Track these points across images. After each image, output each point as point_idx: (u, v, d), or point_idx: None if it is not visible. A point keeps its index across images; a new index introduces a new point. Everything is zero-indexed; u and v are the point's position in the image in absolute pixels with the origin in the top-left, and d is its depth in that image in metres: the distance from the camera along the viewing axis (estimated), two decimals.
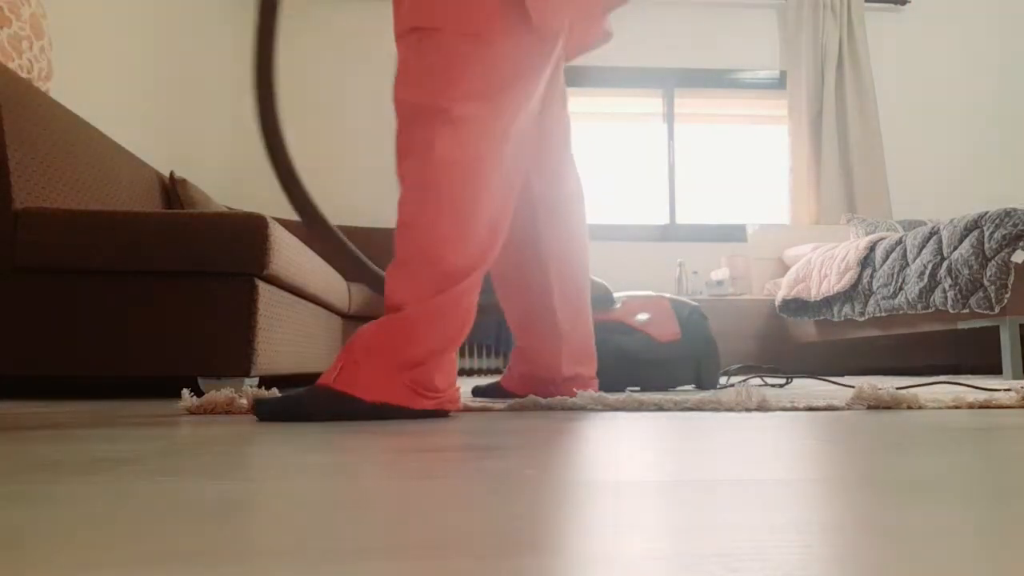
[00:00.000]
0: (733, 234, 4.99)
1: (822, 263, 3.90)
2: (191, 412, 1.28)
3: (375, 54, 4.53)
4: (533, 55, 1.26)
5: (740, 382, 2.44)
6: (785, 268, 4.55)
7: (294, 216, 4.14)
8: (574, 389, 1.53)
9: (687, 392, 1.90)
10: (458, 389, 1.25)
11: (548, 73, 1.33)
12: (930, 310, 3.11)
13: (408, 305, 1.16)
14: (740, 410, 1.25)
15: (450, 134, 1.18)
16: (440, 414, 1.20)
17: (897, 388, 1.36)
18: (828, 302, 3.83)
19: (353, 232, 4.04)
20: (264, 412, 1.14)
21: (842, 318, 3.75)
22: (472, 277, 1.20)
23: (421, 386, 1.16)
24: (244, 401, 1.32)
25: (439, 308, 1.16)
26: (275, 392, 1.40)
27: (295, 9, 4.59)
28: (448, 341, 1.19)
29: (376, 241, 4.04)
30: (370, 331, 1.16)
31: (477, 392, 1.81)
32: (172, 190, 2.97)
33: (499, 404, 1.38)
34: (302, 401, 1.14)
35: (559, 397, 1.42)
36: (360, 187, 4.47)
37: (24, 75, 2.35)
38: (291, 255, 2.06)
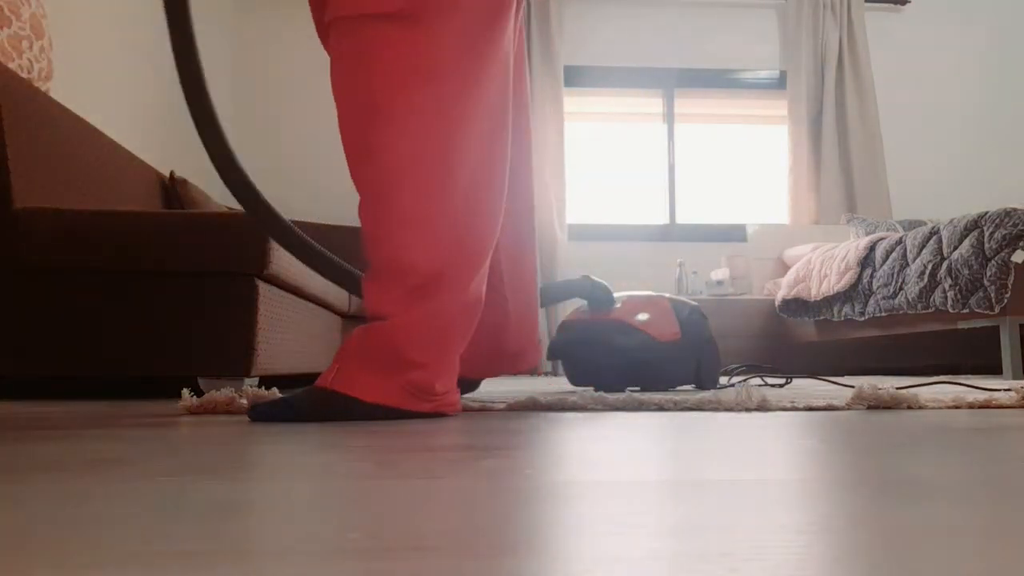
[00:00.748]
0: (733, 234, 4.99)
1: (822, 263, 3.90)
2: (191, 412, 1.28)
3: None
4: (474, 29, 1.14)
5: (740, 382, 2.44)
6: (785, 268, 4.55)
7: (293, 216, 4.14)
8: (522, 363, 1.50)
9: (687, 392, 1.90)
10: (457, 391, 1.23)
11: (508, 42, 1.20)
12: (930, 310, 3.11)
13: (390, 316, 1.11)
14: (740, 410, 1.25)
15: (394, 133, 1.09)
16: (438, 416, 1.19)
17: (897, 388, 1.36)
18: (828, 302, 3.83)
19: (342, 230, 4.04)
20: (257, 414, 1.13)
21: (842, 318, 3.75)
22: (454, 277, 1.13)
23: (419, 389, 1.13)
24: (244, 401, 1.32)
25: (422, 317, 1.12)
26: (275, 392, 1.40)
27: (277, 7, 4.59)
28: (444, 345, 1.16)
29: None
30: (364, 334, 1.14)
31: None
32: (172, 190, 2.97)
33: (499, 404, 1.38)
34: (295, 402, 1.12)
35: (558, 397, 1.42)
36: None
37: (24, 75, 2.35)
38: (291, 255, 2.06)
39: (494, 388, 2.29)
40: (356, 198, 1.12)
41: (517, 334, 1.52)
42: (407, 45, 1.08)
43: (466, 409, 1.31)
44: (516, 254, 1.50)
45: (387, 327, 1.11)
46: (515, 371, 1.47)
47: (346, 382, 1.11)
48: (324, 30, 1.17)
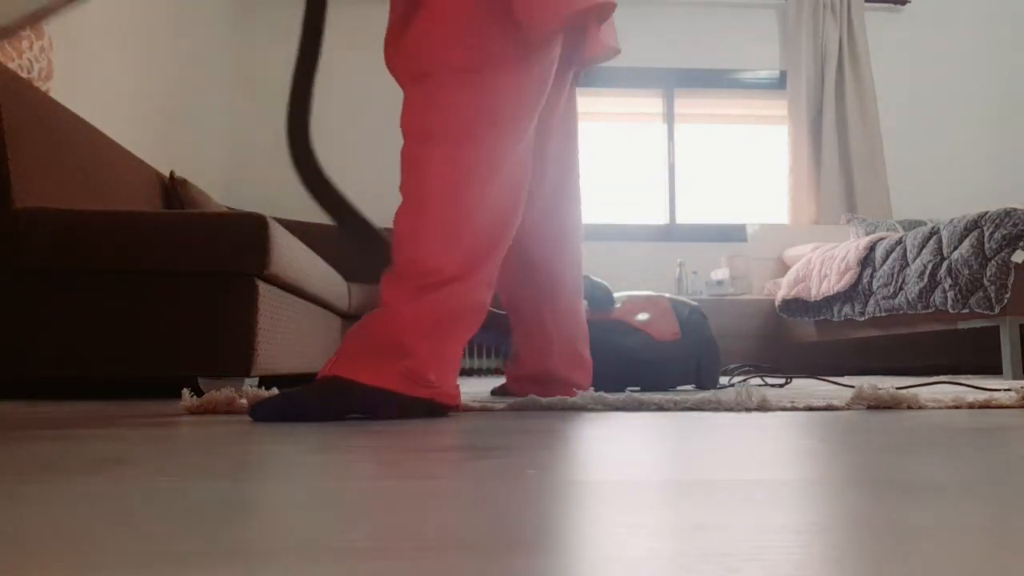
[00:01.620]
0: (733, 234, 4.99)
1: (822, 263, 3.90)
2: (191, 412, 1.28)
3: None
4: (526, 82, 1.32)
5: (740, 382, 2.44)
6: (785, 268, 4.54)
7: (294, 216, 4.14)
8: (573, 390, 1.56)
9: (687, 392, 1.90)
10: (458, 387, 1.26)
11: (546, 91, 1.38)
12: (930, 310, 3.11)
13: (395, 306, 1.21)
14: (740, 410, 1.25)
15: (446, 159, 1.26)
16: (437, 409, 1.20)
17: (897, 388, 1.36)
18: (828, 302, 3.83)
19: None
20: (258, 413, 1.14)
21: (842, 318, 3.75)
22: (463, 282, 1.24)
23: (414, 375, 1.18)
24: (244, 401, 1.32)
25: (423, 305, 1.21)
26: (275, 392, 1.40)
27: (277, 6, 4.59)
28: (440, 337, 1.22)
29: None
30: (363, 323, 1.22)
31: (496, 393, 1.85)
32: (172, 190, 2.97)
33: (499, 404, 1.38)
34: (294, 396, 1.15)
35: (558, 397, 1.42)
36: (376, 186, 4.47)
37: (24, 75, 2.35)
38: (291, 255, 2.06)
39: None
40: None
41: (563, 357, 1.66)
42: (467, 91, 1.28)
43: (466, 409, 1.31)
44: (563, 281, 1.68)
45: (384, 311, 1.21)
46: (567, 394, 1.53)
47: (345, 366, 1.17)
48: (402, 73, 1.33)
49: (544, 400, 1.38)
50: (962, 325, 3.04)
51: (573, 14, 1.38)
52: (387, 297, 1.22)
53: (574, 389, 1.56)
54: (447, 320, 1.23)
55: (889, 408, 1.28)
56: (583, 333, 1.72)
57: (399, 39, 1.32)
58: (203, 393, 1.38)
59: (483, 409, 1.32)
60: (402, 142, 1.30)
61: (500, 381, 2.18)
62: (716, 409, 1.27)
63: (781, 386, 2.14)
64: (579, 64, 1.62)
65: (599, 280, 1.99)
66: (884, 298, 3.39)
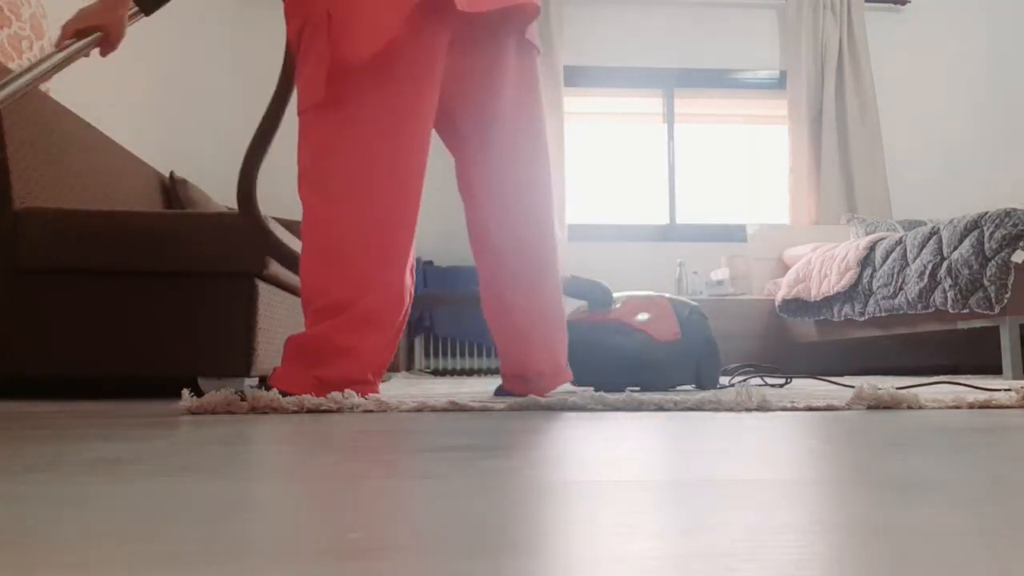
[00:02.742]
0: (733, 234, 4.99)
1: (822, 263, 3.90)
2: (191, 412, 1.28)
3: None
4: (383, 110, 1.46)
5: (740, 382, 2.44)
6: (785, 268, 4.54)
7: (294, 216, 4.14)
8: (547, 385, 1.68)
9: (687, 392, 1.90)
10: (372, 383, 1.46)
11: (424, 106, 1.50)
12: (930, 310, 3.11)
13: (306, 327, 1.45)
14: (740, 410, 1.25)
15: (311, 192, 1.45)
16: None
17: (897, 388, 1.36)
18: (828, 302, 3.83)
19: None
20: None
21: (842, 318, 3.75)
22: (352, 311, 1.41)
23: (328, 383, 1.38)
24: (244, 401, 1.32)
25: (318, 336, 1.42)
26: (275, 392, 1.40)
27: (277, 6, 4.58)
28: (347, 360, 1.42)
29: None
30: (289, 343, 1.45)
31: (498, 394, 1.85)
32: (172, 190, 2.97)
33: (499, 404, 1.38)
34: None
35: (559, 397, 1.42)
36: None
37: None
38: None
39: (493, 387, 2.29)
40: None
41: (540, 358, 1.71)
42: (327, 126, 1.45)
43: (466, 409, 1.31)
44: (536, 284, 1.70)
45: (301, 337, 1.44)
46: (541, 393, 1.61)
47: (275, 378, 1.41)
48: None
49: (544, 400, 1.38)
50: (962, 325, 3.04)
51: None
52: (305, 321, 1.47)
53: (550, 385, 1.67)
54: (339, 345, 1.42)
55: (889, 408, 1.28)
56: (562, 332, 1.76)
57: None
58: (203, 393, 1.38)
59: (483, 409, 1.32)
60: None
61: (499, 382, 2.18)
62: (716, 409, 1.27)
63: (781, 386, 2.14)
64: (486, 25, 1.57)
65: (599, 280, 1.99)
66: (884, 298, 3.39)
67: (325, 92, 1.43)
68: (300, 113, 1.49)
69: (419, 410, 1.28)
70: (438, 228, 4.58)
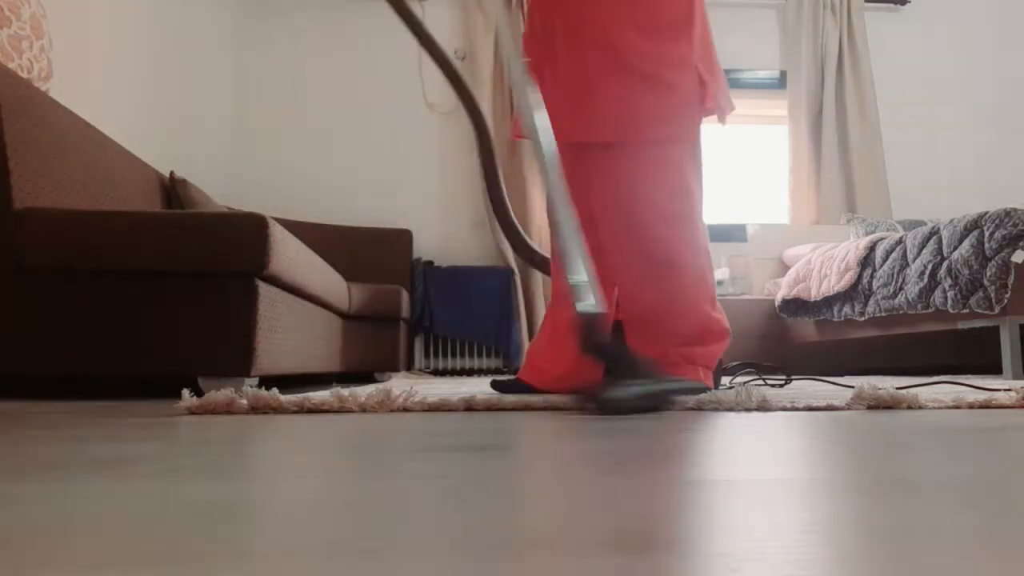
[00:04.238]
0: (733, 234, 4.98)
1: (822, 263, 3.90)
2: (191, 412, 1.28)
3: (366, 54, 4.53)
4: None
5: (741, 384, 2.43)
6: (785, 268, 4.54)
7: (294, 216, 4.14)
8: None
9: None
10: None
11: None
12: (930, 310, 3.11)
13: None
14: (740, 410, 1.25)
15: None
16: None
17: (897, 388, 1.36)
18: (828, 302, 3.83)
19: (347, 229, 4.04)
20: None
21: (842, 318, 3.75)
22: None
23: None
24: (244, 401, 1.32)
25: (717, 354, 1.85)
26: (275, 392, 1.40)
27: (277, 6, 4.59)
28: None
29: (351, 238, 4.04)
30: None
31: (500, 387, 1.86)
32: (172, 190, 2.97)
33: (504, 403, 1.38)
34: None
35: (557, 397, 1.42)
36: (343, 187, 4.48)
37: (24, 75, 2.35)
38: (291, 255, 2.06)
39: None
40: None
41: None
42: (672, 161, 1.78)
43: (471, 409, 1.31)
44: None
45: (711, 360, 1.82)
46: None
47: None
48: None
49: (543, 400, 1.38)
50: (962, 325, 3.04)
51: None
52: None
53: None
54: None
55: (889, 408, 1.28)
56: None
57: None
58: (203, 393, 1.38)
59: (487, 409, 1.32)
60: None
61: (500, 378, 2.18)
62: (716, 409, 1.27)
63: (781, 386, 2.14)
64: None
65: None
66: (884, 298, 3.39)
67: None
68: (633, 140, 1.76)
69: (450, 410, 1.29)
70: (438, 228, 4.59)
